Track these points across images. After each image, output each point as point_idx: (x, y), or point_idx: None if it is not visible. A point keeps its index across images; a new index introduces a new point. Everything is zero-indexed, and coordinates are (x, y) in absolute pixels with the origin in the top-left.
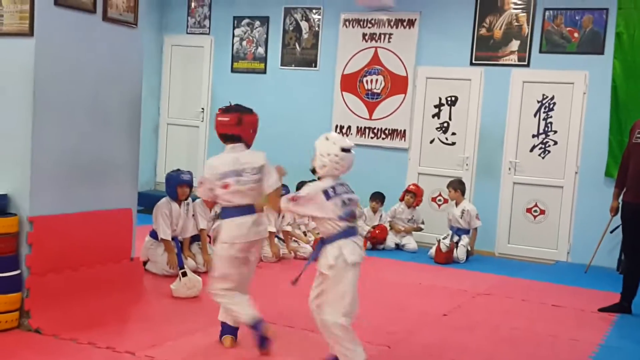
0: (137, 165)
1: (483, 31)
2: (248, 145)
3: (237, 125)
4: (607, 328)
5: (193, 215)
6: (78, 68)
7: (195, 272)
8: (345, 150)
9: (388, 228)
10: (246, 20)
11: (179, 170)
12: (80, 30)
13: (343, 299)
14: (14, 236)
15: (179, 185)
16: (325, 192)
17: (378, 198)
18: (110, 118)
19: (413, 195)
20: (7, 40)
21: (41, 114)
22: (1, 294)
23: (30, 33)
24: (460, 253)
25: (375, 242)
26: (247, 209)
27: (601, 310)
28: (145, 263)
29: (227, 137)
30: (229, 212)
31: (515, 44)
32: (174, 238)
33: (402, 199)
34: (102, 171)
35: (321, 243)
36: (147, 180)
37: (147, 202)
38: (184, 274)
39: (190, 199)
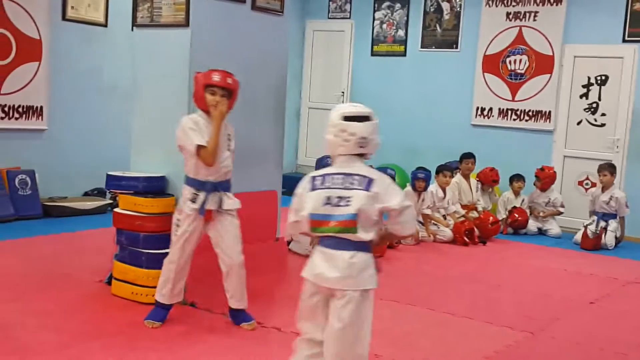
0: (282, 149)
1: (637, 6)
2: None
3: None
4: None
5: None
6: (229, 56)
7: None
8: (349, 118)
9: (528, 212)
10: (387, 3)
11: (327, 156)
12: (231, 20)
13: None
14: (170, 216)
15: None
16: (313, 180)
17: (521, 179)
18: (258, 104)
19: (538, 179)
20: (165, 31)
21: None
22: (157, 269)
23: (185, 24)
24: (608, 239)
25: (516, 226)
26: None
27: None
28: (289, 243)
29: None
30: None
31: None
32: None
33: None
34: (250, 155)
35: None
36: (290, 162)
37: (289, 184)
38: None
39: None
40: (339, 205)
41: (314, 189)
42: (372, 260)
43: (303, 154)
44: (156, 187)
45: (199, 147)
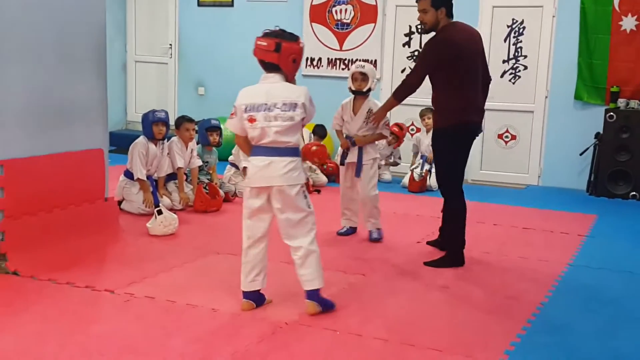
0: (106, 105)
1: None
2: (288, 79)
3: (274, 52)
4: (576, 248)
5: (169, 153)
6: (41, 6)
7: (171, 210)
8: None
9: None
10: None
11: (153, 110)
12: None
13: None
14: None
15: (154, 124)
16: None
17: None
18: (76, 57)
19: (396, 138)
20: None
21: (5, 56)
22: None
23: None
24: (433, 181)
25: (330, 173)
26: (270, 150)
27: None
28: (120, 203)
29: (265, 65)
30: (253, 150)
31: None
32: (149, 177)
33: None
34: (71, 112)
35: None
36: (118, 120)
37: (119, 141)
38: (160, 212)
39: (165, 138)
40: None
41: None
42: None
43: (132, 109)
44: None
45: None
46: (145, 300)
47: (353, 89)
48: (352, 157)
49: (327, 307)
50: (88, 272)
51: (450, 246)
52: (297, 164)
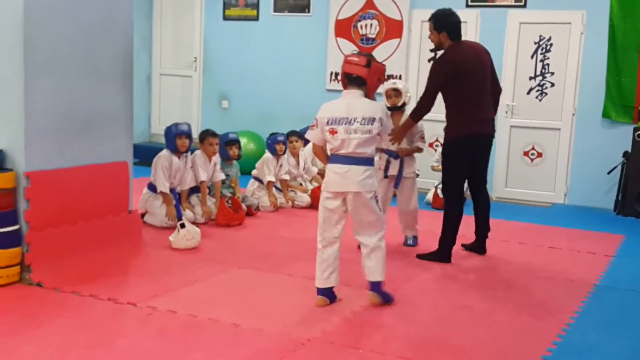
0: (132, 118)
1: None
2: (368, 95)
3: (365, 67)
4: (603, 268)
5: (192, 167)
6: (69, 19)
7: (193, 223)
8: None
9: None
10: None
11: (176, 122)
12: None
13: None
14: (11, 191)
15: (178, 137)
16: None
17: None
18: (103, 70)
19: None
20: None
21: (33, 68)
22: (1, 248)
23: None
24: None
25: None
26: (349, 159)
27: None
28: (143, 215)
29: (352, 79)
30: (332, 158)
31: None
32: (172, 190)
33: None
34: (96, 124)
35: None
36: (142, 132)
37: (142, 154)
38: (183, 226)
39: (189, 151)
40: None
41: None
42: None
43: (157, 122)
44: None
45: None
46: (167, 313)
47: (388, 105)
48: (394, 169)
49: (387, 299)
50: (111, 285)
51: (441, 244)
52: (372, 172)
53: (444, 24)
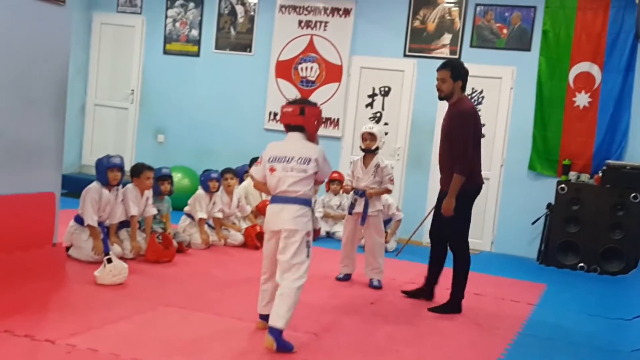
0: (62, 147)
1: (417, 23)
2: (311, 138)
3: (299, 115)
4: (525, 316)
5: (123, 200)
6: (3, 44)
7: (121, 258)
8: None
9: (320, 217)
10: (180, 2)
11: (109, 155)
12: (5, 7)
13: None
14: None
15: (109, 169)
16: None
17: None
18: (34, 97)
19: (338, 182)
20: None
21: None
22: None
23: None
24: (389, 243)
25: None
26: (283, 199)
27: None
28: (68, 248)
29: (290, 127)
30: (271, 200)
31: (447, 38)
32: (100, 223)
33: (328, 189)
34: (24, 153)
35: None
36: (72, 162)
37: (71, 185)
38: (109, 261)
39: (120, 184)
40: None
41: None
42: None
43: (88, 153)
44: None
45: None
46: (87, 352)
47: (363, 147)
48: (359, 207)
49: (284, 347)
50: (29, 320)
51: (453, 294)
52: (307, 212)
53: (461, 74)
